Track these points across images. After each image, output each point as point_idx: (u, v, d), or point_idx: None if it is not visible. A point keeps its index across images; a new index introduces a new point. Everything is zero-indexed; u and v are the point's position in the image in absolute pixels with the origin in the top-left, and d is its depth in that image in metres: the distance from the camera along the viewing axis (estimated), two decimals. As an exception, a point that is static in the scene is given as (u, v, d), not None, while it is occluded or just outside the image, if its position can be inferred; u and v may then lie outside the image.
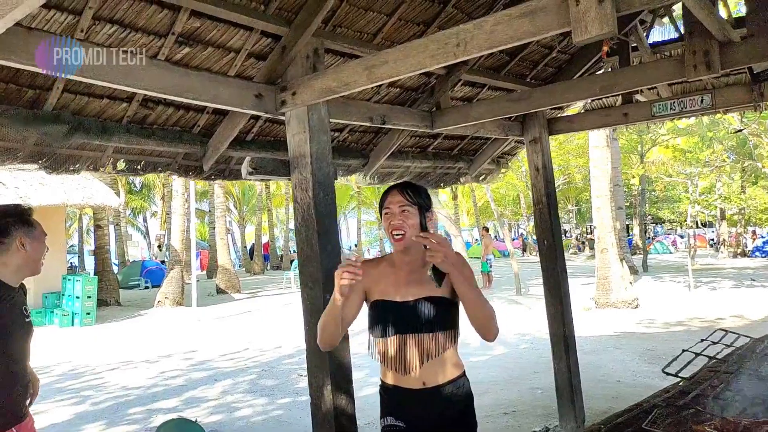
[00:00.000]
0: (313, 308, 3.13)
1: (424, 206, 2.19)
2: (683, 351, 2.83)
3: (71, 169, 3.38)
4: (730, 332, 3.30)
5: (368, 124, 3.93)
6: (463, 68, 4.32)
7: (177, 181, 16.77)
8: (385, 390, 2.25)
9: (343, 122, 4.05)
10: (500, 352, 8.61)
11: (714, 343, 3.04)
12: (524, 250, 38.08)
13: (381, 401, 2.29)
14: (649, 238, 36.48)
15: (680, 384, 2.54)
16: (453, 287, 2.11)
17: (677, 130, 22.49)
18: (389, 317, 2.16)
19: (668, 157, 27.24)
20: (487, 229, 22.08)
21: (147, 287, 21.72)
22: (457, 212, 32.27)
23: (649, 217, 38.06)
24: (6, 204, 2.58)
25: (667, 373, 2.55)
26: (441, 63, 2.63)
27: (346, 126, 4.43)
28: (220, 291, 19.16)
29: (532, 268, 18.94)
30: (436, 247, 1.98)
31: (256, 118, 3.82)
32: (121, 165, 3.55)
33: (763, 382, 2.31)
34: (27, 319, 2.50)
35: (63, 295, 13.65)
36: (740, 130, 17.24)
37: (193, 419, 5.66)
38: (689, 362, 2.77)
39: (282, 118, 3.33)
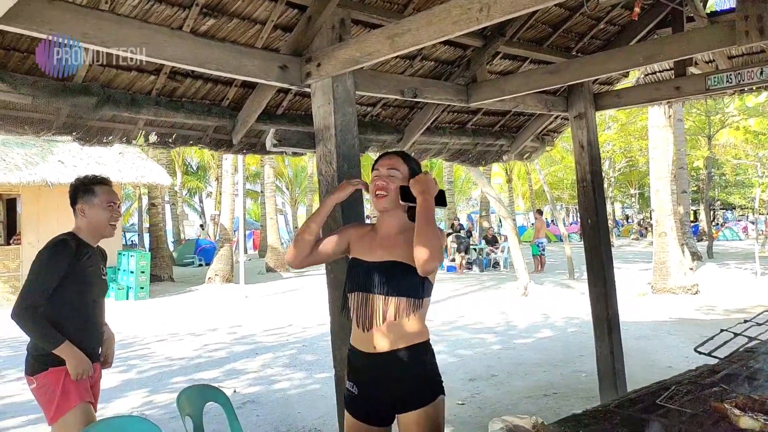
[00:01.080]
0: (337, 282, 3.10)
1: (415, 171, 2.25)
2: (721, 331, 2.66)
3: (104, 141, 3.44)
4: (779, 313, 3.09)
5: (399, 98, 3.83)
6: (500, 40, 4.16)
7: (227, 161, 17.10)
8: (349, 353, 2.26)
9: (373, 95, 3.97)
10: (547, 335, 8.43)
11: (759, 324, 2.84)
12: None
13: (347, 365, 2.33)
14: (717, 224, 34.88)
15: (713, 364, 2.40)
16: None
17: (747, 110, 21.22)
18: (357, 274, 2.20)
19: (739, 140, 25.75)
20: (540, 212, 21.56)
21: (201, 264, 22.39)
22: (511, 196, 31.69)
23: (718, 202, 36.36)
24: (85, 175, 2.92)
25: (700, 353, 2.41)
26: (464, 29, 2.54)
27: (380, 100, 4.35)
28: (269, 269, 19.55)
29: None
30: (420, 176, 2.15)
31: (286, 91, 3.79)
32: (153, 138, 3.60)
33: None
34: (103, 276, 2.87)
35: (118, 269, 14.18)
36: None
37: (232, 390, 5.81)
38: (725, 342, 2.60)
39: (308, 90, 3.28)
